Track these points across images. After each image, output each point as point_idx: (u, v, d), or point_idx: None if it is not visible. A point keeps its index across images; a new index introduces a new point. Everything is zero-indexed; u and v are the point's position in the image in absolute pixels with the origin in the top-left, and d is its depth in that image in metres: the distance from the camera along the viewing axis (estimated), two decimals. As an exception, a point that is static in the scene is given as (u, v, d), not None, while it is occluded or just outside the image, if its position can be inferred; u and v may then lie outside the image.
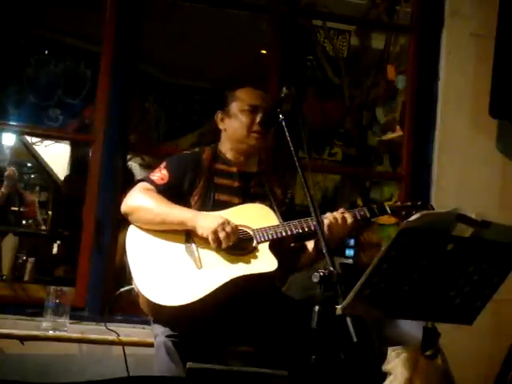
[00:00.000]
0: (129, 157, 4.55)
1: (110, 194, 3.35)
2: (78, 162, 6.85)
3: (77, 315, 3.16)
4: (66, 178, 6.70)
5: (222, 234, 2.40)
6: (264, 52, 5.08)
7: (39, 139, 7.47)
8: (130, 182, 2.85)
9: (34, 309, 3.11)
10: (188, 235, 2.50)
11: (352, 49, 5.82)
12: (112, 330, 2.98)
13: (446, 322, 2.16)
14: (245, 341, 2.55)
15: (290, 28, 3.69)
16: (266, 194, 2.65)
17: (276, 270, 2.43)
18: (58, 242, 5.88)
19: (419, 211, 2.23)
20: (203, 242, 2.45)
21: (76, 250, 3.45)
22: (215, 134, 2.76)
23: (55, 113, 6.08)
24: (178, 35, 5.93)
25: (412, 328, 2.68)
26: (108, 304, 3.12)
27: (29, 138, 7.64)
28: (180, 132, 7.09)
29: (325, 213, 2.52)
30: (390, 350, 2.50)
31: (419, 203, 2.63)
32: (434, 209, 2.63)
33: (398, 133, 4.45)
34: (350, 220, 2.53)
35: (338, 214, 2.52)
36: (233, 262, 2.44)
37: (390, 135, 4.96)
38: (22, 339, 2.94)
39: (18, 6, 5.44)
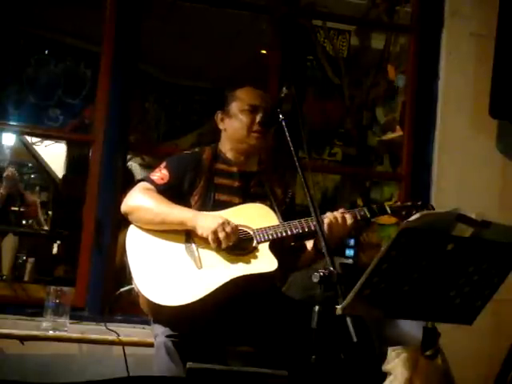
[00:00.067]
0: (129, 157, 4.55)
1: (110, 194, 3.35)
2: (74, 162, 6.84)
3: (77, 315, 3.16)
4: (63, 177, 6.70)
5: (221, 234, 2.40)
6: (264, 52, 5.08)
7: (39, 139, 7.46)
8: (130, 182, 2.85)
9: (34, 309, 3.11)
10: (188, 235, 2.50)
11: (352, 49, 5.82)
12: (112, 330, 2.99)
13: (446, 322, 2.17)
14: (245, 341, 2.55)
15: (290, 28, 3.69)
16: (267, 193, 2.65)
17: (276, 269, 2.43)
18: (58, 241, 5.88)
19: (419, 211, 2.24)
20: (203, 241, 2.45)
21: (76, 250, 3.45)
22: (215, 134, 2.76)
23: (55, 113, 6.08)
24: (178, 35, 5.92)
25: (412, 328, 2.68)
26: (108, 304, 3.12)
27: (29, 138, 7.63)
28: (180, 132, 7.08)
29: (325, 213, 2.52)
30: (390, 350, 2.50)
31: (419, 203, 2.64)
32: (434, 209, 2.63)
33: (398, 133, 4.45)
34: (350, 220, 2.53)
35: (338, 214, 2.52)
36: (233, 262, 2.44)
37: (389, 135, 4.96)
38: (22, 339, 2.94)
39: (18, 5, 5.43)
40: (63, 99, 6.08)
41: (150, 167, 5.53)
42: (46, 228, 6.50)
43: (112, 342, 2.99)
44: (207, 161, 2.64)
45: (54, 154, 7.45)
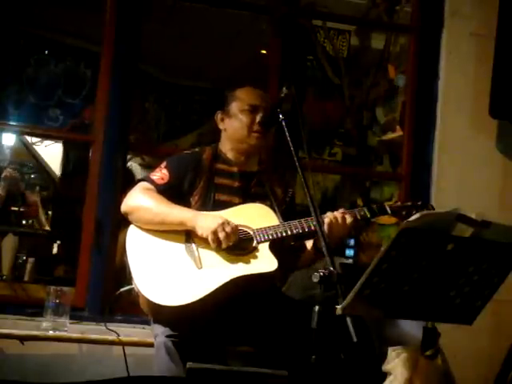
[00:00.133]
0: (129, 157, 4.55)
1: (110, 194, 3.35)
2: (70, 162, 6.84)
3: (77, 315, 3.16)
4: (60, 177, 6.69)
5: (221, 235, 2.40)
6: (264, 52, 5.08)
7: (39, 139, 7.46)
8: (130, 182, 2.85)
9: (34, 309, 3.11)
10: (188, 235, 2.49)
11: (352, 49, 5.82)
12: (112, 330, 2.98)
13: (446, 322, 2.17)
14: (245, 341, 2.55)
15: (290, 28, 3.69)
16: (267, 193, 2.65)
17: (276, 269, 2.43)
18: (58, 241, 5.89)
19: (419, 211, 2.24)
20: (203, 241, 2.45)
21: (76, 250, 3.45)
22: (215, 134, 2.76)
23: (55, 113, 6.08)
24: (178, 35, 5.92)
25: (412, 328, 2.68)
26: (108, 304, 3.12)
27: (29, 138, 7.63)
28: (180, 132, 7.08)
29: (325, 213, 2.52)
30: (390, 350, 2.50)
31: (419, 203, 2.64)
32: (434, 209, 2.63)
33: (398, 133, 4.45)
34: (350, 219, 2.53)
35: (338, 214, 2.52)
36: (233, 262, 2.44)
37: (390, 135, 4.96)
38: (22, 339, 2.94)
39: (18, 5, 5.43)
40: (63, 99, 6.08)
41: (150, 167, 5.53)
42: (47, 228, 6.50)
43: (112, 342, 2.99)
44: (207, 161, 2.64)
45: (54, 154, 7.45)
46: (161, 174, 2.58)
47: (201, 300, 2.34)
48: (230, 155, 2.68)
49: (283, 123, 2.45)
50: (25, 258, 5.38)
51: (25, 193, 6.53)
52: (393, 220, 2.80)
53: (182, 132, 7.05)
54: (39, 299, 3.13)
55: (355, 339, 1.90)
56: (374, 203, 2.72)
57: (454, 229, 1.86)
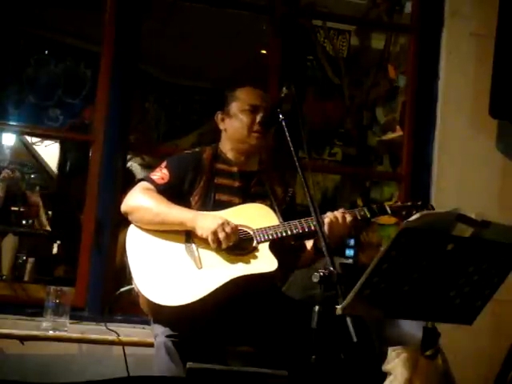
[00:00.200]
0: (129, 157, 4.55)
1: (110, 194, 3.35)
2: (67, 162, 6.84)
3: (77, 315, 3.16)
4: (57, 177, 6.69)
5: (221, 235, 2.40)
6: (264, 52, 5.08)
7: (39, 139, 7.46)
8: (130, 182, 2.85)
9: (34, 309, 3.11)
10: (188, 235, 2.49)
11: (352, 49, 5.81)
12: (112, 330, 2.99)
13: (446, 322, 2.16)
14: (245, 341, 2.55)
15: (290, 28, 3.69)
16: (267, 193, 2.65)
17: (276, 269, 2.43)
18: (58, 241, 5.88)
19: (419, 211, 2.24)
20: (203, 241, 2.45)
21: (76, 250, 3.45)
22: (215, 134, 2.76)
23: (55, 113, 6.08)
24: (178, 35, 5.92)
25: (412, 328, 2.68)
26: (108, 304, 3.12)
27: (29, 138, 7.63)
28: (180, 132, 7.08)
29: (325, 213, 2.52)
30: (390, 350, 2.50)
31: (419, 203, 2.63)
32: (434, 209, 2.63)
33: (398, 133, 4.45)
34: (350, 219, 2.53)
35: (338, 213, 2.52)
36: (233, 262, 2.44)
37: (390, 135, 4.96)
38: (22, 339, 2.94)
39: (18, 5, 5.44)
40: (63, 99, 6.08)
41: (150, 167, 5.53)
42: (47, 228, 6.50)
43: (112, 342, 2.99)
44: (207, 161, 2.64)
45: (54, 154, 7.45)
46: (161, 174, 2.58)
47: (201, 300, 2.34)
48: (230, 155, 2.68)
49: (283, 123, 2.45)
50: (25, 258, 5.37)
51: (26, 193, 6.53)
52: (393, 220, 2.81)
53: (182, 132, 7.05)
54: (39, 299, 3.12)
55: (355, 339, 1.90)
56: (374, 203, 2.72)
57: (453, 229, 1.85)
